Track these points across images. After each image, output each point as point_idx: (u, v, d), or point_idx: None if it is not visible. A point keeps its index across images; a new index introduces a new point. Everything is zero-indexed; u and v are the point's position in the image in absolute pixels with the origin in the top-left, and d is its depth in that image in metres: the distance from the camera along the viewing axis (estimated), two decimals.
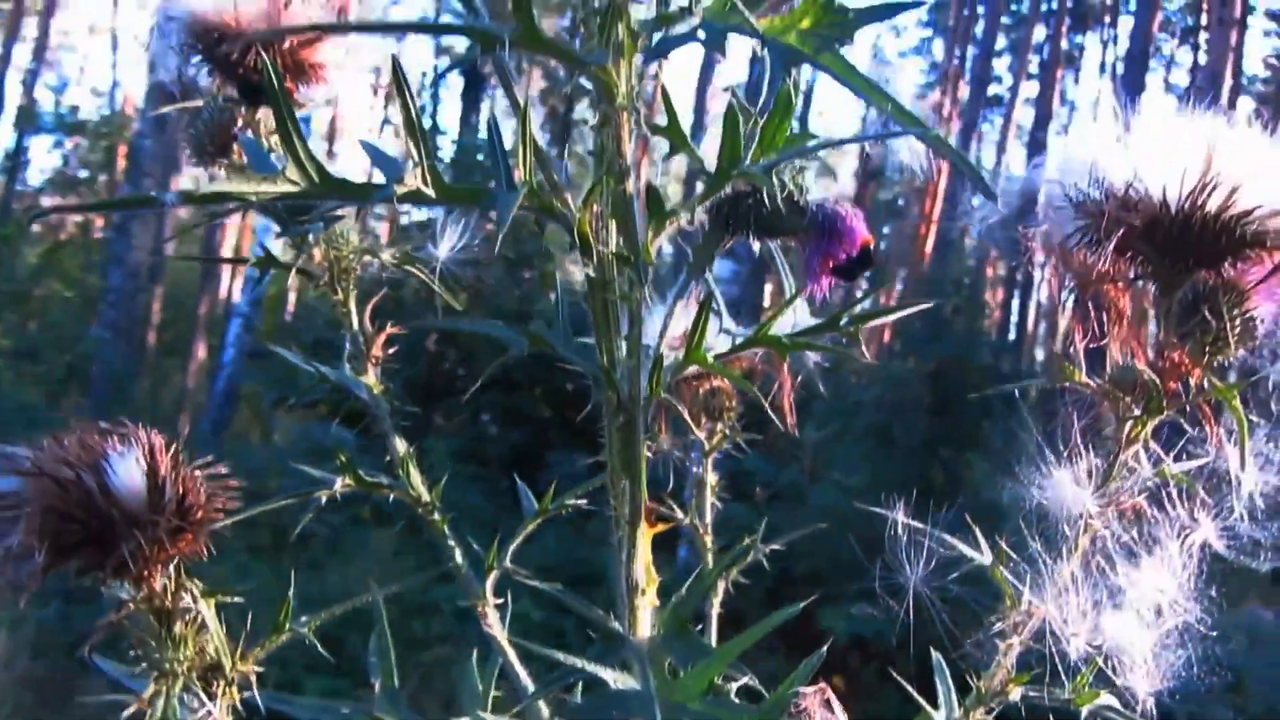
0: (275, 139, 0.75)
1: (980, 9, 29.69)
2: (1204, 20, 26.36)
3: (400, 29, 0.58)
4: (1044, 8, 28.20)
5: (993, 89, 30.11)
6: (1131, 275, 0.63)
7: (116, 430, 0.61)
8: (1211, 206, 0.59)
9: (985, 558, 0.69)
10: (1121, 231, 0.58)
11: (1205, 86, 16.50)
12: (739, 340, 0.75)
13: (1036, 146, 23.77)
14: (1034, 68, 28.34)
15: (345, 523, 10.01)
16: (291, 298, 26.03)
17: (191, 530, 0.62)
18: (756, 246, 0.71)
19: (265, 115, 0.79)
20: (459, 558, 0.92)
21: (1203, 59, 24.72)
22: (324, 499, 0.87)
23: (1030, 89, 28.60)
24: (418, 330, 14.34)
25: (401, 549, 9.67)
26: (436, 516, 0.95)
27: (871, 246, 0.70)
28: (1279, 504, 0.62)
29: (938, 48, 35.28)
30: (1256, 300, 0.62)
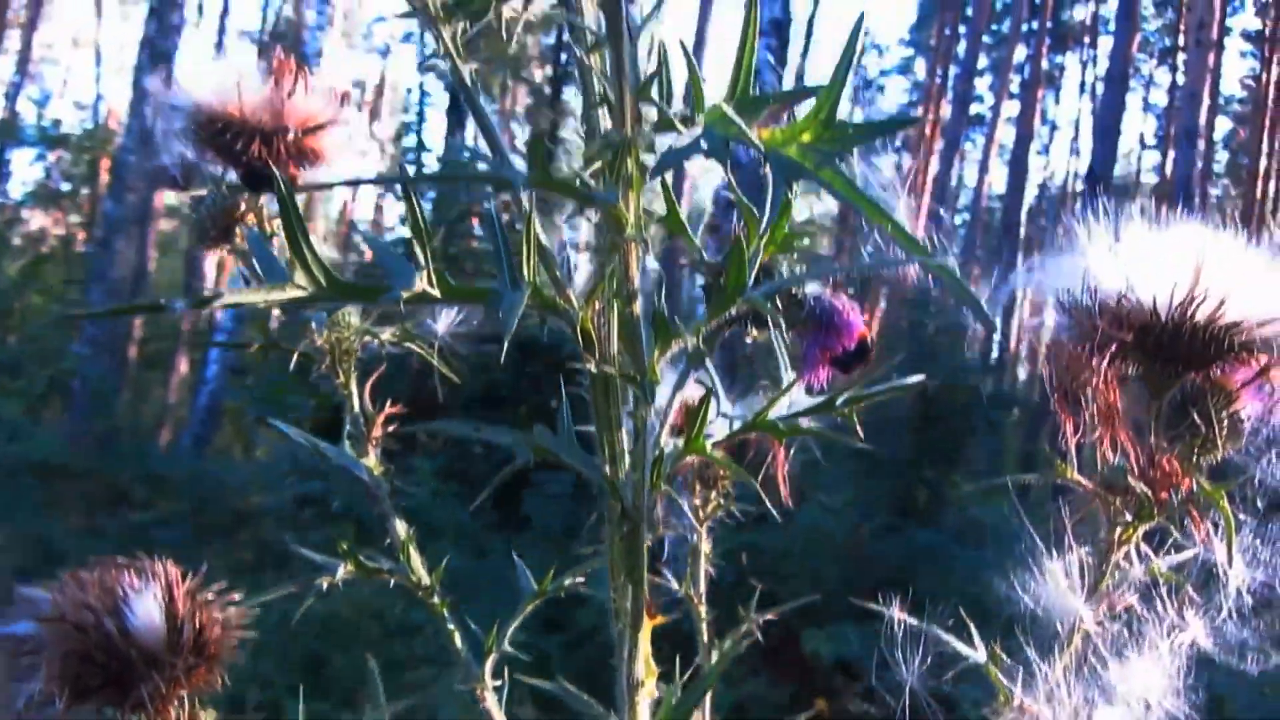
0: (277, 224, 0.76)
1: (962, 29, 29.94)
2: (1181, 41, 26.67)
3: (426, 180, 0.59)
4: (1025, 28, 28.45)
5: (975, 108, 30.38)
6: (1123, 376, 0.64)
7: (135, 565, 0.62)
8: (1200, 317, 0.60)
9: (980, 655, 0.70)
10: (1113, 339, 0.59)
11: (1183, 107, 16.69)
12: (736, 425, 0.76)
13: (1018, 165, 23.96)
14: (1015, 87, 28.61)
15: (326, 540, 9.97)
16: (274, 312, 25.94)
17: (207, 664, 0.63)
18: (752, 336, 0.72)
19: (266, 200, 0.80)
20: (459, 642, 0.93)
21: (1181, 79, 24.98)
22: (324, 585, 0.87)
23: (1012, 108, 28.86)
24: (402, 350, 14.37)
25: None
26: (436, 600, 0.96)
27: (868, 340, 0.72)
28: (1267, 601, 0.63)
29: (920, 67, 35.57)
30: (1243, 400, 0.64)
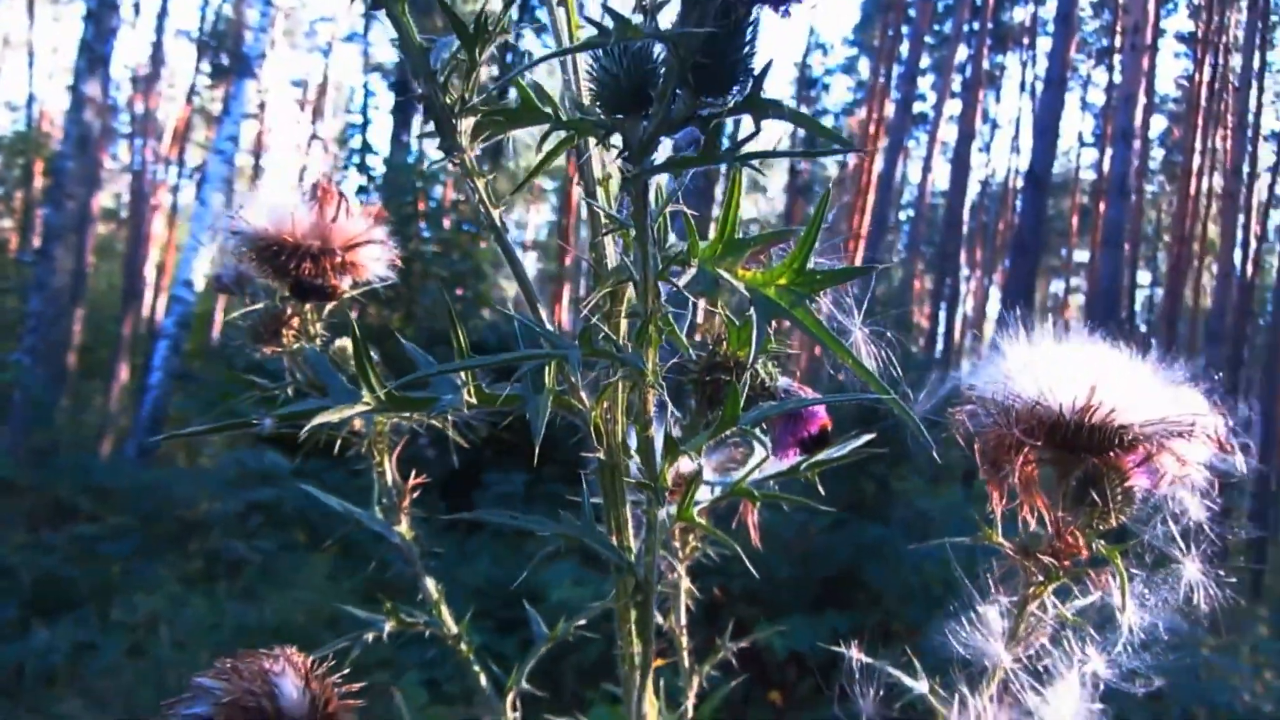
0: (316, 327, 0.87)
1: (905, 29, 30.37)
2: (1118, 43, 27.32)
3: (482, 364, 0.69)
4: (966, 29, 28.86)
5: (917, 107, 30.85)
6: (1038, 459, 0.78)
7: (277, 655, 0.73)
8: (1096, 420, 0.74)
9: (922, 686, 0.83)
10: (1031, 433, 0.73)
11: (1120, 108, 17.12)
12: (718, 492, 0.89)
13: (959, 162, 24.40)
14: (957, 86, 29.12)
15: (278, 548, 9.88)
16: (218, 316, 25.55)
17: None
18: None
19: (298, 305, 0.91)
20: (484, 681, 1.04)
21: (1118, 78, 25.54)
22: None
23: (954, 107, 29.37)
24: (337, 332, 14.22)
25: (336, 572, 9.58)
26: (464, 646, 1.07)
27: (829, 427, 0.85)
28: (1155, 637, 0.77)
29: (864, 66, 35.99)
30: (1135, 478, 0.78)
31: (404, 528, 1.08)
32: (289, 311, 0.91)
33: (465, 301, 14.50)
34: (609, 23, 0.53)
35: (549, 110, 0.67)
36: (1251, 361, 33.85)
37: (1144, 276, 35.16)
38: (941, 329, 29.08)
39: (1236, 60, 27.76)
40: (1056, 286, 41.59)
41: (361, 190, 15.53)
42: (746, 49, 0.54)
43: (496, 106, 0.71)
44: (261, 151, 36.61)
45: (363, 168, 16.36)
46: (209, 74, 33.78)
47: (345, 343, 0.91)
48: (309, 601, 8.72)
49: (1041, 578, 0.77)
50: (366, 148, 19.88)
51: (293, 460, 10.98)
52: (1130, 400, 0.74)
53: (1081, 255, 36.87)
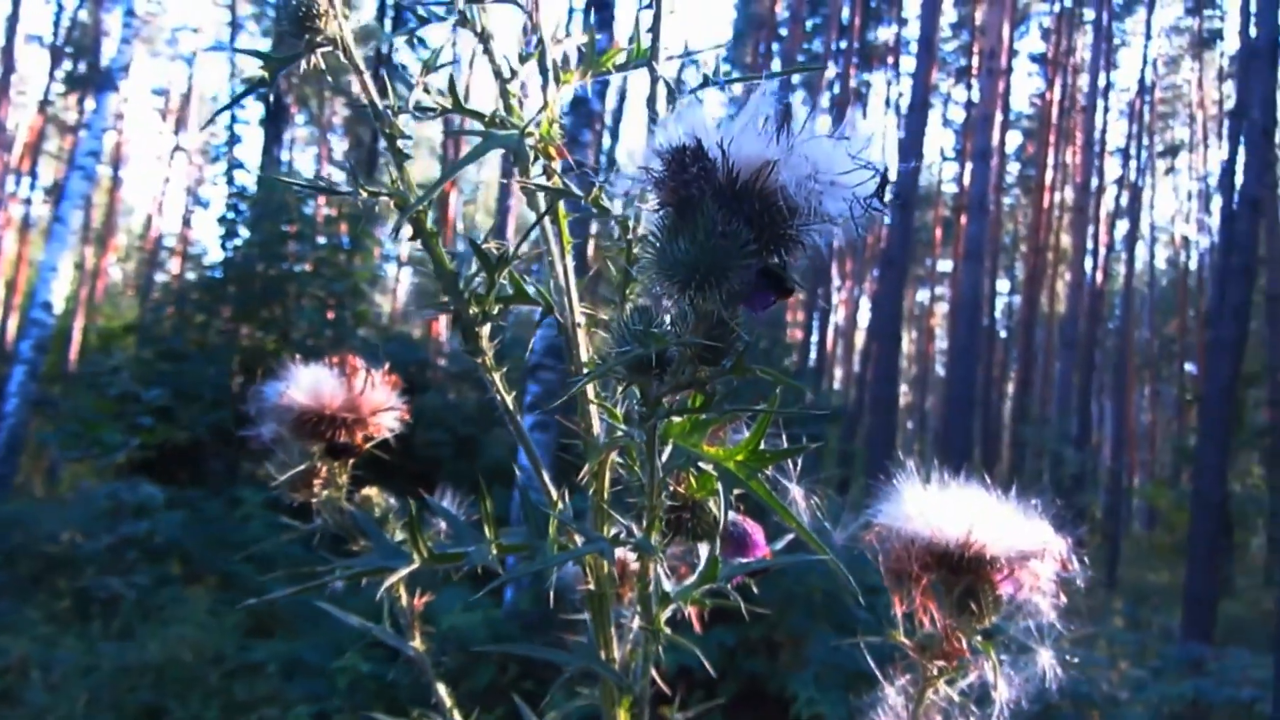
0: (343, 479, 1.04)
1: (776, 47, 31.23)
2: (975, 63, 28.69)
3: (522, 572, 0.85)
4: (834, 47, 29.76)
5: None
6: (929, 576, 1.01)
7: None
8: (973, 551, 0.97)
9: None
10: (925, 565, 0.96)
11: (978, 129, 18.03)
12: (674, 602, 1.08)
13: None
14: (826, 102, 30.11)
15: (153, 583, 9.58)
16: (75, 336, 24.40)
17: None
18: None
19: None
20: None
21: (976, 96, 26.81)
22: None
23: (824, 124, 30.29)
24: (222, 369, 13.77)
25: (216, 607, 9.36)
26: None
27: (770, 555, 1.05)
28: (1021, 710, 1.01)
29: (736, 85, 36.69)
30: (1002, 588, 1.02)
31: (418, 643, 1.23)
32: (320, 466, 1.06)
33: (342, 324, 14.29)
34: (638, 319, 0.73)
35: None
36: (1104, 365, 35.98)
37: (1003, 285, 36.85)
38: (815, 339, 29.95)
39: (1085, 80, 29.52)
40: (923, 295, 43.33)
41: (232, 209, 15.08)
42: (733, 336, 0.73)
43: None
44: (120, 162, 35.21)
45: (232, 182, 15.93)
46: (64, 82, 32.22)
47: (370, 491, 1.07)
48: (191, 638, 8.51)
49: (935, 672, 1.00)
50: (233, 163, 19.21)
51: (166, 489, 10.67)
52: (998, 534, 0.98)
53: (945, 265, 38.49)
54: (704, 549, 0.94)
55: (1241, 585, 19.43)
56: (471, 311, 0.91)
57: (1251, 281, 13.37)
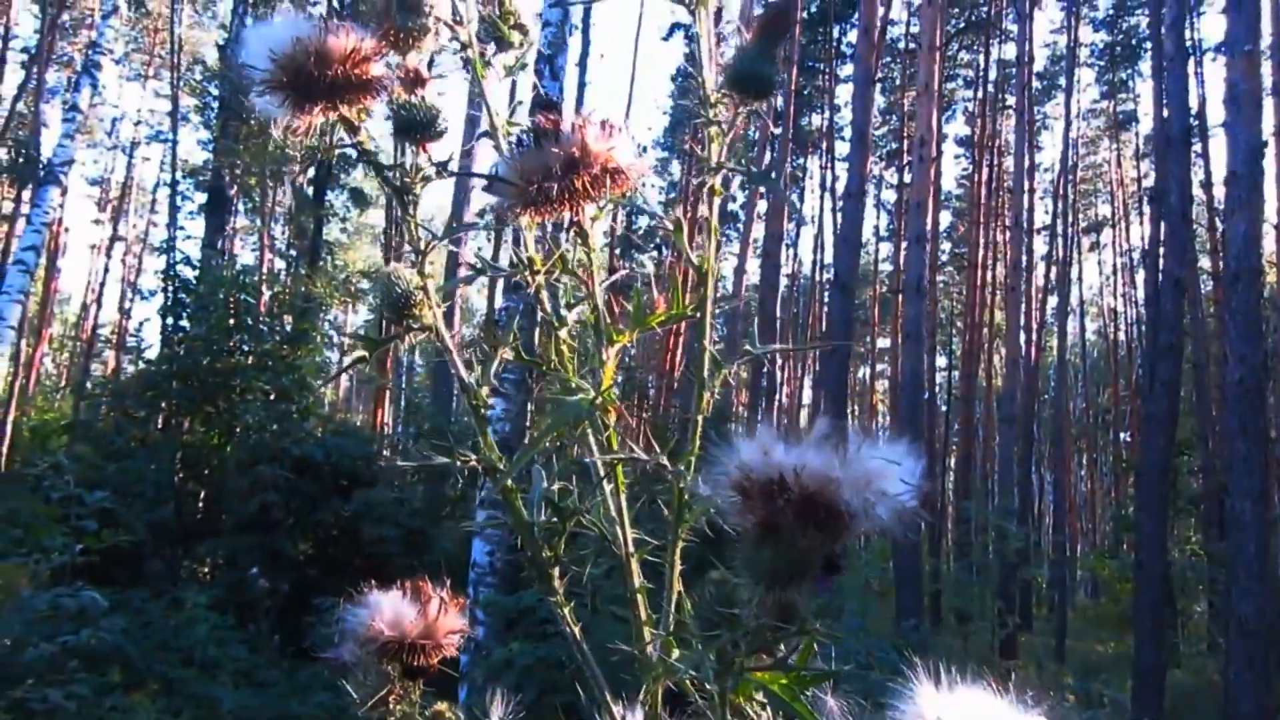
0: (416, 694, 1.14)
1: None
2: (906, 146, 29.63)
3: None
4: (772, 134, 30.45)
5: (729, 206, 32.44)
6: None
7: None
8: None
9: None
10: None
11: (911, 215, 18.54)
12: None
13: (769, 260, 25.72)
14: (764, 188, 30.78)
15: (93, 692, 9.26)
16: (7, 430, 23.71)
17: None
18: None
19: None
20: None
21: (908, 178, 27.57)
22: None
23: (762, 206, 30.98)
24: (164, 466, 13.49)
25: (159, 716, 9.08)
26: None
27: None
28: None
29: (675, 167, 37.56)
30: None
31: None
32: (397, 684, 1.16)
33: (289, 417, 14.06)
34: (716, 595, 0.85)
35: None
36: (1043, 437, 36.69)
37: (941, 360, 37.54)
38: (759, 418, 30.14)
39: (1010, 162, 30.63)
40: (864, 372, 44.04)
41: (177, 304, 14.84)
42: (800, 615, 0.85)
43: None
44: (58, 253, 34.67)
45: (176, 277, 15.68)
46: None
47: (441, 707, 1.16)
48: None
49: None
50: (172, 258, 18.80)
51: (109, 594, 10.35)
52: None
53: (884, 342, 39.12)
54: None
55: (1186, 653, 19.68)
56: (545, 555, 1.01)
57: (1179, 357, 13.87)
